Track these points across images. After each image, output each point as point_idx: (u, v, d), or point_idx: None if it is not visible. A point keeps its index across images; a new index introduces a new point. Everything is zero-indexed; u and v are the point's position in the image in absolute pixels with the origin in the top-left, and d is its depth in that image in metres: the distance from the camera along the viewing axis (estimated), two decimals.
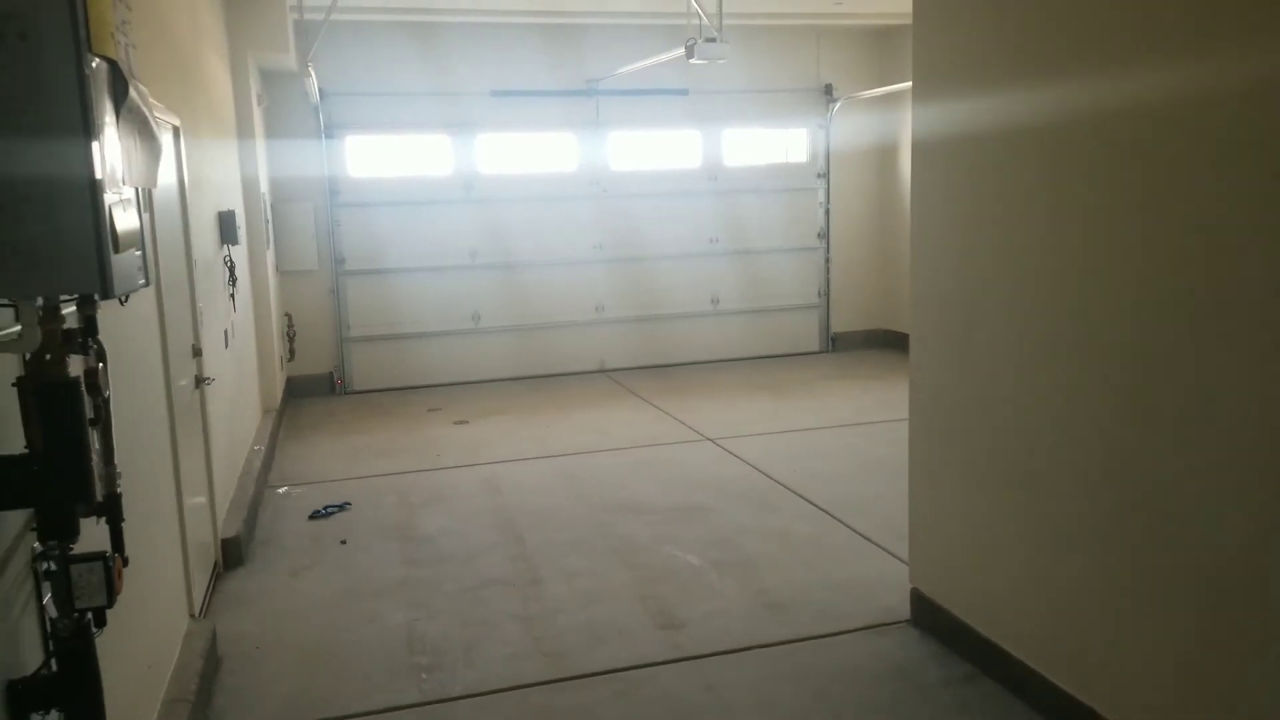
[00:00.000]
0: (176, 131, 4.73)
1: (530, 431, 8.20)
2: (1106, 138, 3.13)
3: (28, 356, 2.03)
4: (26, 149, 1.82)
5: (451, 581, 5.01)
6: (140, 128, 2.18)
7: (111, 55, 1.99)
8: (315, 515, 6.09)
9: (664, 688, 3.87)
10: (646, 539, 5.51)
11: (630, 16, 9.71)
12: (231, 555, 5.19)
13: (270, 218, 9.02)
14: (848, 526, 5.61)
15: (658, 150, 10.80)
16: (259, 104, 8.81)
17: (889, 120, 11.13)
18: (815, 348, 11.52)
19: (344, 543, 5.60)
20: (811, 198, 11.33)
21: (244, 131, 8.03)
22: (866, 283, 11.59)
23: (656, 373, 10.64)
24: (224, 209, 6.44)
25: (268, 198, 8.88)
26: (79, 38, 1.83)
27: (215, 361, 5.53)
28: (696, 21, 8.05)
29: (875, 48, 11.22)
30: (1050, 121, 3.37)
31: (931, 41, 4.03)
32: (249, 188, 8.12)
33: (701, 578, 4.95)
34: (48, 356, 2.00)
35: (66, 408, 1.97)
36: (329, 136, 9.79)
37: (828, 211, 11.35)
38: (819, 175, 11.30)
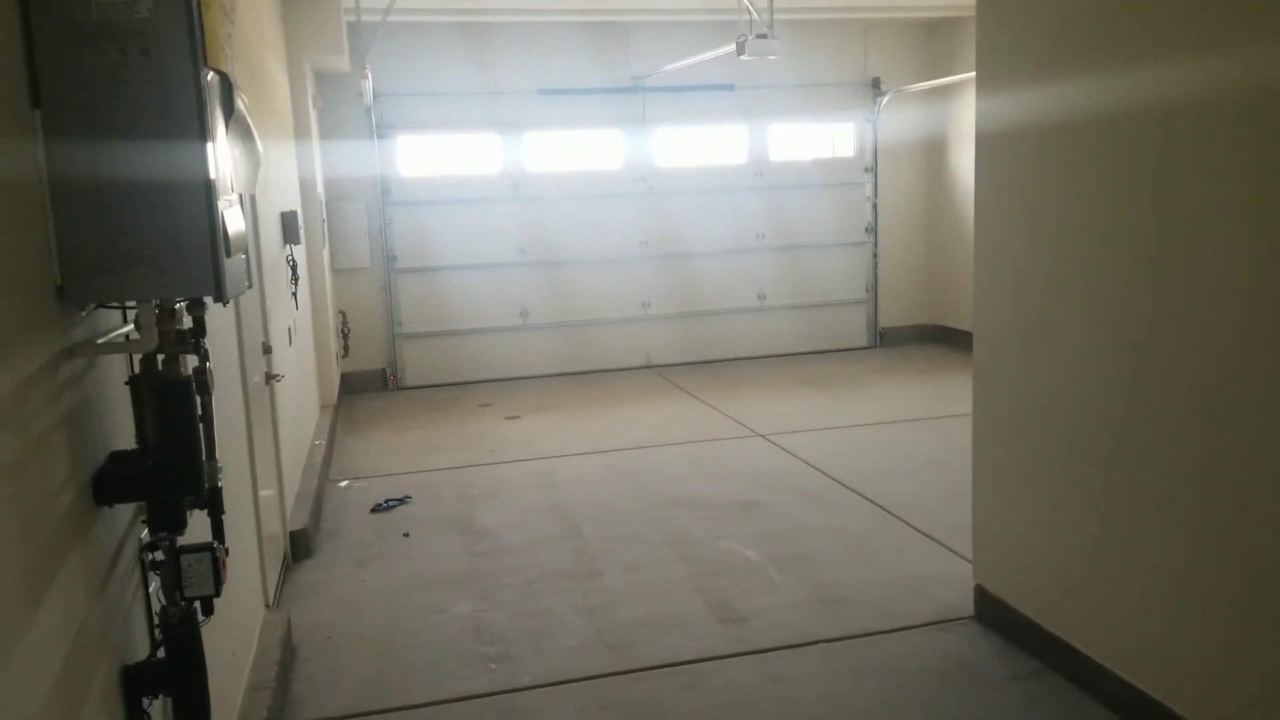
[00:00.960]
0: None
1: (581, 427, 8.28)
2: (1190, 130, 3.12)
3: (139, 355, 2.14)
4: (148, 157, 1.92)
5: (513, 573, 5.10)
6: (244, 135, 2.27)
7: (222, 68, 2.08)
8: (377, 508, 6.22)
9: (728, 680, 3.92)
10: (702, 533, 5.57)
11: (677, 13, 9.74)
12: (300, 547, 5.32)
13: (326, 217, 9.19)
14: (904, 522, 5.61)
15: (703, 146, 10.82)
16: (314, 105, 8.98)
17: (938, 113, 11.05)
18: (863, 343, 11.49)
19: (407, 535, 5.72)
20: (859, 192, 11.28)
21: (301, 133, 8.19)
22: (915, 277, 11.53)
23: (703, 368, 10.68)
24: (286, 209, 6.58)
25: (323, 197, 9.05)
26: (196, 52, 1.92)
27: (281, 358, 5.66)
28: (746, 17, 8.07)
29: (924, 40, 11.14)
30: (1127, 112, 3.34)
31: (997, 30, 4.01)
32: (306, 188, 8.28)
33: (759, 572, 4.99)
34: (161, 356, 2.10)
35: (181, 406, 2.06)
36: (381, 136, 9.94)
37: (875, 206, 11.30)
38: (866, 169, 11.25)
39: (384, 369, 10.25)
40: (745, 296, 11.06)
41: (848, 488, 6.28)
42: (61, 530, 1.86)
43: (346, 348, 10.07)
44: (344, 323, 10.04)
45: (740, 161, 10.89)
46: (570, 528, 5.76)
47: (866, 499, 6.04)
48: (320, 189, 8.84)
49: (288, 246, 6.57)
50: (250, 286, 2.34)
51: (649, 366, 10.80)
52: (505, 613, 4.62)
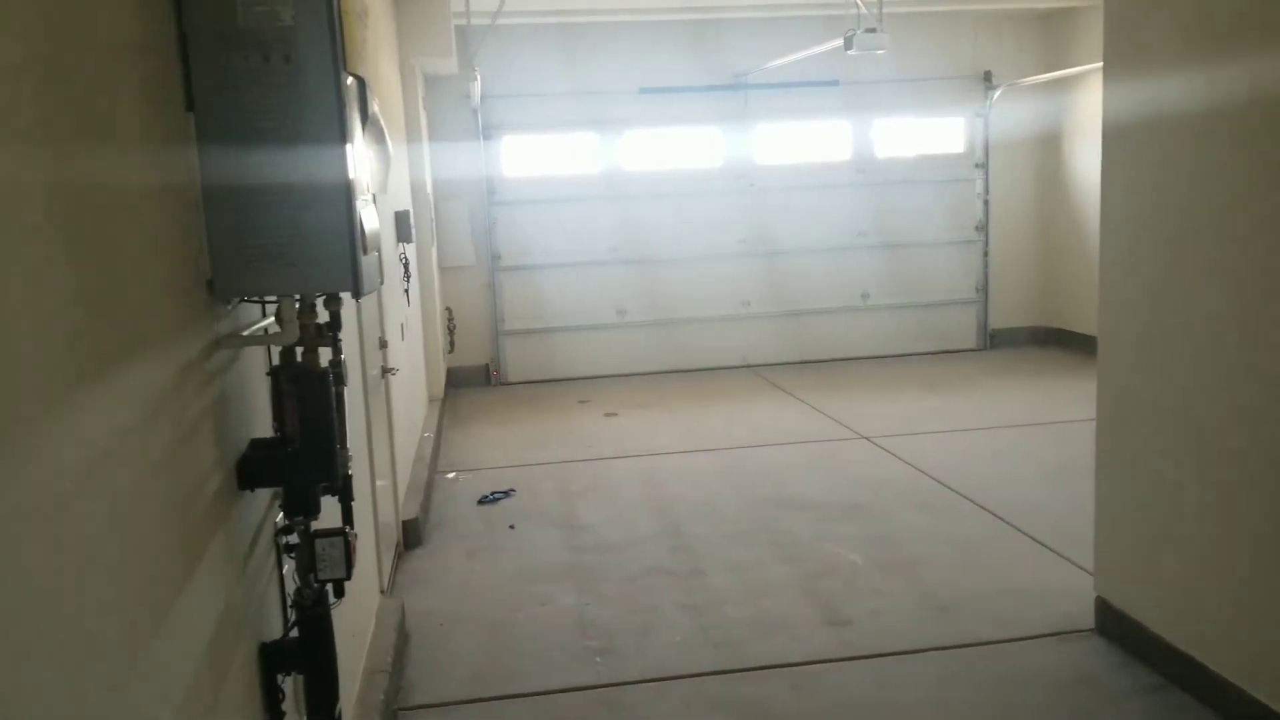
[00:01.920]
0: None
1: (680, 425, 8.30)
2: None
3: (278, 348, 2.23)
4: (291, 159, 2.00)
5: (616, 569, 5.14)
6: (377, 137, 2.35)
7: (360, 73, 2.16)
8: (483, 500, 6.36)
9: (836, 683, 3.88)
10: (806, 535, 5.51)
11: (781, 9, 9.66)
12: (411, 536, 5.48)
13: (434, 216, 9.43)
14: (1018, 530, 5.45)
15: (805, 143, 10.70)
16: (424, 107, 9.22)
17: (1054, 107, 10.68)
18: (972, 344, 11.19)
19: (512, 527, 5.83)
20: (969, 189, 10.99)
21: (412, 134, 8.42)
22: (1028, 277, 11.17)
23: (804, 368, 10.57)
24: (400, 209, 6.78)
25: (432, 197, 9.29)
26: (336, 58, 2.00)
27: (395, 353, 5.84)
28: (853, 11, 7.95)
29: (1038, 32, 10.79)
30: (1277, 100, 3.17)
31: (1127, 17, 3.86)
32: (416, 188, 8.51)
33: (865, 576, 4.92)
34: (300, 349, 2.19)
35: (319, 396, 2.15)
36: (486, 138, 10.14)
37: (986, 203, 10.99)
38: (977, 165, 10.96)
39: (486, 365, 10.47)
40: (847, 295, 10.90)
41: (956, 492, 6.13)
42: (209, 512, 1.96)
43: (452, 343, 10.32)
44: (450, 319, 10.29)
45: (843, 157, 10.74)
46: (671, 525, 5.78)
47: (977, 504, 5.89)
48: (429, 189, 9.08)
49: (401, 245, 6.77)
50: (382, 283, 2.43)
51: (747, 366, 10.75)
52: (609, 607, 4.67)
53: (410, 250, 7.51)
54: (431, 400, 8.70)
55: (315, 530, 2.29)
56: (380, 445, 4.90)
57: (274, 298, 2.15)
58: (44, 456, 1.31)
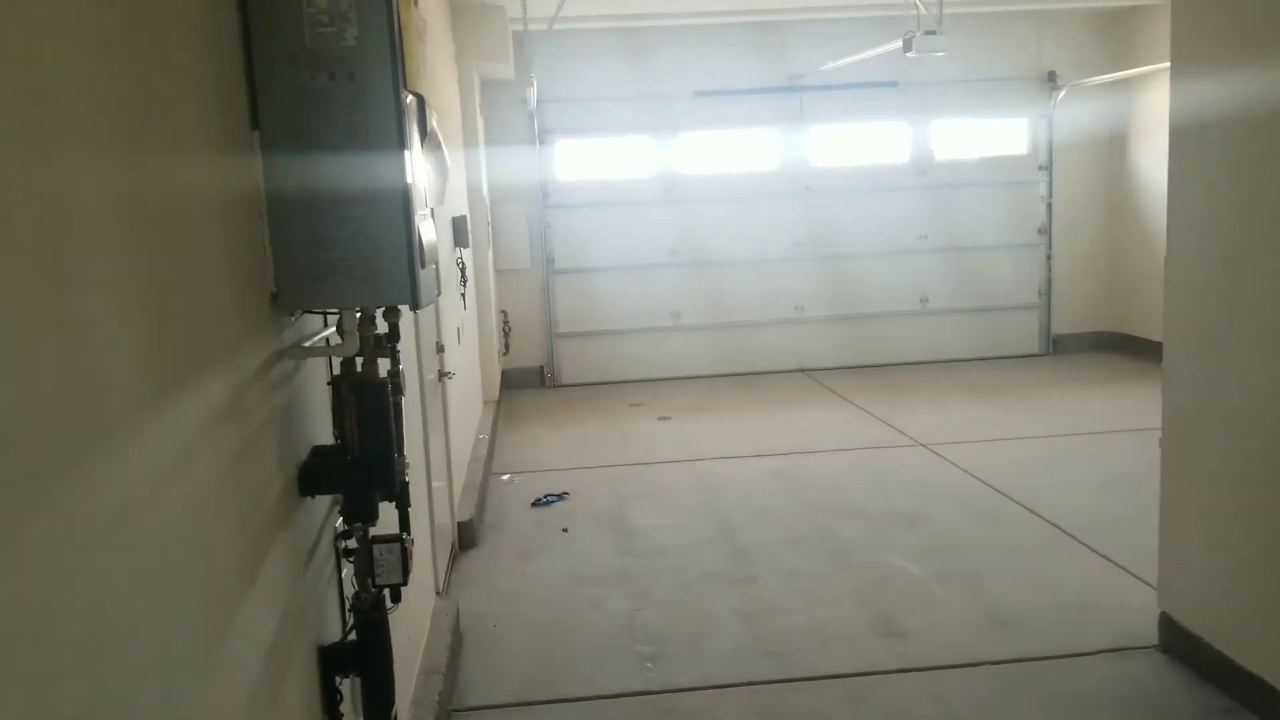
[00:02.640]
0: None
1: (733, 429, 8.28)
2: None
3: (339, 358, 2.28)
4: (352, 175, 2.05)
5: (668, 574, 5.15)
6: (435, 152, 2.39)
7: (419, 91, 2.20)
8: (537, 503, 6.41)
9: (892, 696, 3.84)
10: (863, 543, 5.46)
11: (840, 10, 9.58)
12: (466, 537, 5.55)
13: (491, 220, 9.54)
14: (1079, 542, 5.34)
15: (862, 145, 10.60)
16: (481, 113, 9.32)
17: (1120, 107, 10.44)
18: (1035, 350, 10.99)
19: (565, 530, 5.87)
20: (1031, 191, 10.79)
21: (469, 139, 8.52)
22: (1093, 281, 10.92)
23: (860, 373, 10.47)
24: (457, 214, 6.87)
25: (488, 201, 9.39)
26: (397, 77, 2.04)
27: (451, 356, 5.92)
28: (912, 12, 7.85)
29: (1104, 31, 10.54)
30: None
31: (1196, 14, 3.76)
32: (473, 192, 8.61)
33: (922, 587, 4.86)
34: (360, 359, 2.24)
35: (379, 406, 2.19)
36: (541, 142, 10.22)
37: (1050, 206, 10.78)
38: (1040, 168, 10.75)
39: (541, 367, 10.55)
40: (906, 300, 10.77)
41: (1017, 502, 6.02)
42: (272, 517, 2.01)
43: (507, 346, 10.42)
44: (505, 321, 10.39)
45: (902, 160, 10.61)
46: (725, 530, 5.77)
47: (1037, 515, 5.78)
48: (486, 193, 9.18)
49: (458, 250, 6.86)
50: (439, 295, 2.47)
51: (802, 370, 10.68)
52: (661, 613, 4.67)
53: (467, 254, 7.60)
54: (487, 402, 8.80)
55: (373, 536, 2.33)
56: (436, 448, 4.97)
57: (335, 310, 2.20)
58: (120, 464, 1.36)
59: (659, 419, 8.82)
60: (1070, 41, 10.55)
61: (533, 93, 9.24)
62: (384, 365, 2.40)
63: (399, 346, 2.39)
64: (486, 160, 9.62)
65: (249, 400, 1.92)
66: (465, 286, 7.17)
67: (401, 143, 2.04)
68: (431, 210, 2.49)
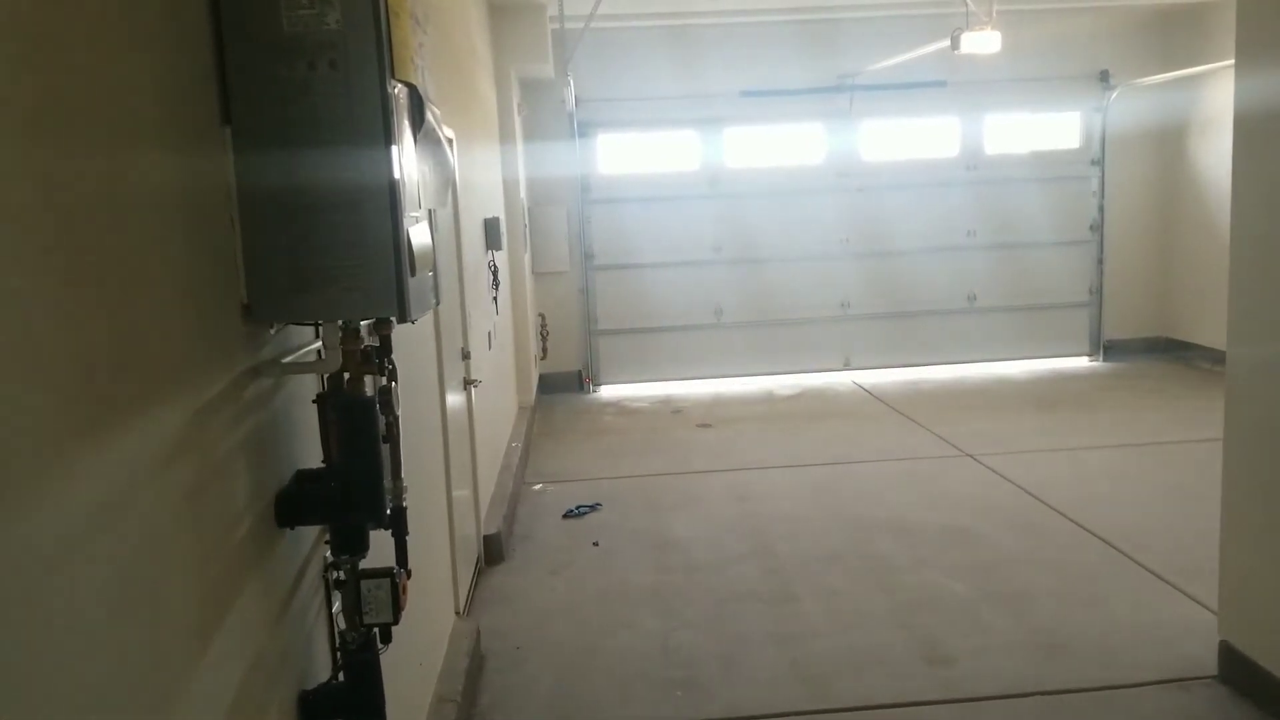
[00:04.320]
0: (450, 144, 4.93)
1: (775, 438, 8.02)
2: None
3: (326, 375, 2.10)
4: (332, 174, 1.86)
5: (703, 592, 4.92)
6: (434, 149, 2.20)
7: (412, 80, 2.00)
8: (569, 514, 6.22)
9: None
10: (905, 561, 5.19)
11: (890, 8, 9.29)
12: (493, 551, 5.37)
13: (527, 222, 9.38)
14: (1135, 561, 5.02)
15: (911, 139, 10.27)
16: (519, 113, 9.17)
17: (1176, 103, 9.99)
18: (1085, 350, 10.58)
19: (597, 544, 5.67)
20: (1083, 186, 10.38)
21: (506, 139, 8.36)
22: (1147, 282, 10.49)
23: (907, 373, 10.15)
24: (489, 216, 6.71)
25: (525, 202, 9.24)
26: (383, 66, 1.85)
27: (480, 363, 5.75)
28: (963, 10, 7.55)
29: (1159, 29, 10.11)
30: None
31: (1267, 7, 3.47)
32: (509, 193, 8.46)
33: (969, 609, 4.58)
34: (346, 376, 2.05)
35: (363, 428, 2.00)
36: (581, 136, 10.03)
37: (1101, 203, 10.35)
38: (1093, 162, 10.33)
39: (579, 371, 10.37)
40: (954, 297, 10.41)
41: (1069, 518, 5.70)
42: (241, 555, 1.83)
43: (545, 350, 10.26)
44: (543, 325, 10.23)
45: (951, 154, 10.27)
46: (762, 546, 5.53)
47: (1091, 532, 5.45)
48: (523, 194, 9.02)
49: (489, 252, 6.70)
50: (437, 304, 2.28)
51: (847, 369, 10.36)
52: (694, 633, 4.45)
53: (500, 257, 7.45)
54: (522, 408, 8.63)
55: (362, 570, 2.15)
56: (460, 458, 4.80)
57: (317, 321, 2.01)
58: (36, 513, 1.18)
59: (699, 426, 8.58)
60: (1124, 39, 10.13)
61: (570, 92, 9.07)
62: (383, 381, 2.22)
63: (392, 361, 2.19)
64: (525, 160, 9.47)
65: (214, 425, 1.74)
66: (497, 290, 7.01)
67: (388, 138, 1.85)
68: (429, 211, 2.30)
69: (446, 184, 2.33)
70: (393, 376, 2.21)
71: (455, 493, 4.48)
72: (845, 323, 10.41)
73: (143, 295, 1.51)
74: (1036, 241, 10.36)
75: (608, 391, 10.27)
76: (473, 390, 5.27)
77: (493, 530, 5.43)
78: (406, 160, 1.96)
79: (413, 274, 1.94)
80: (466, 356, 5.13)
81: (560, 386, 10.25)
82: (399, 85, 1.94)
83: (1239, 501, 3.76)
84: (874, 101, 10.01)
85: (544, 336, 10.25)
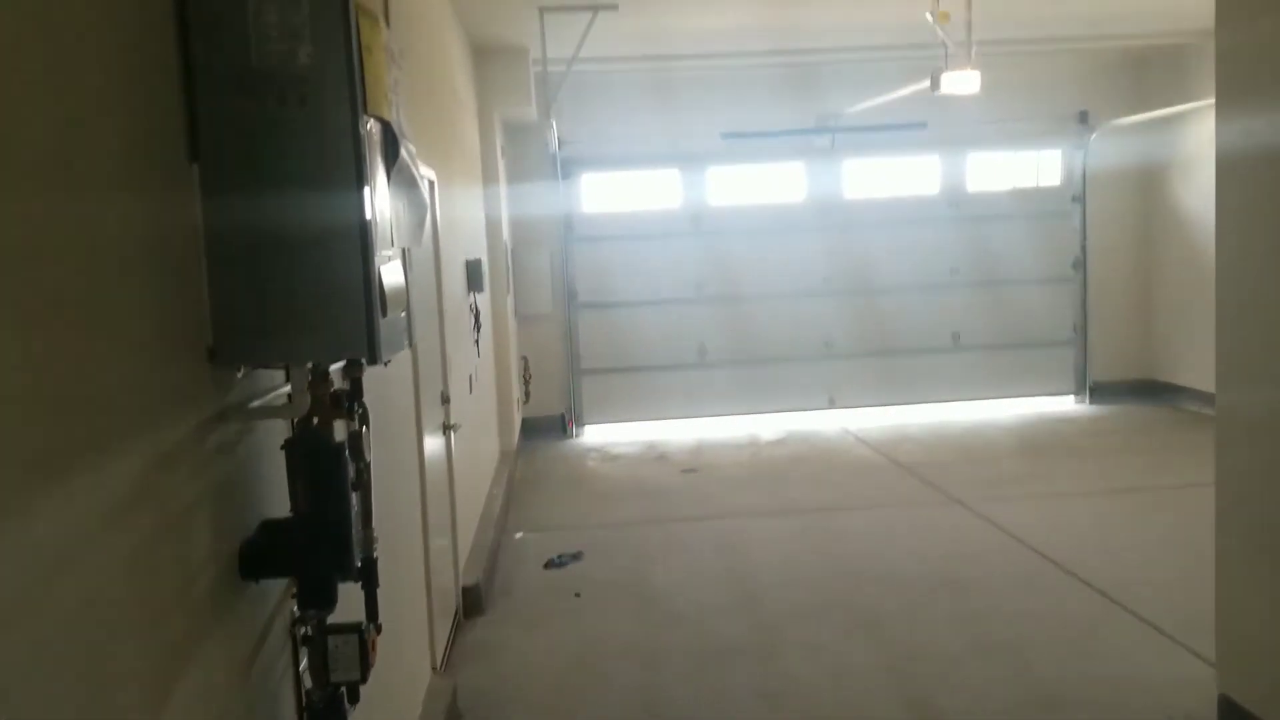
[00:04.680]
0: (431, 185, 4.88)
1: (760, 483, 7.93)
2: None
3: (295, 420, 2.00)
4: (302, 212, 1.79)
5: (687, 647, 4.78)
6: (408, 188, 2.13)
7: (386, 116, 1.94)
8: (550, 564, 6.08)
9: None
10: (895, 612, 5.07)
11: (869, 50, 9.36)
12: (471, 603, 5.22)
13: (510, 264, 9.33)
14: (1130, 612, 4.92)
15: (892, 177, 10.32)
16: (502, 156, 9.17)
17: (1156, 142, 10.07)
18: (1069, 388, 10.58)
19: (578, 595, 5.53)
20: (1065, 223, 10.45)
21: (489, 181, 8.34)
22: (1130, 321, 10.53)
23: (893, 416, 10.09)
24: (471, 258, 6.64)
25: (509, 244, 9.19)
26: (355, 102, 1.79)
27: (460, 407, 5.64)
28: (942, 52, 7.61)
29: (1137, 71, 10.26)
30: None
31: (1245, 48, 3.48)
32: (492, 235, 8.41)
33: (961, 663, 4.46)
34: (315, 420, 1.96)
35: (331, 474, 1.91)
36: (565, 176, 10.02)
37: (1084, 239, 10.42)
38: (1074, 199, 10.41)
39: (562, 415, 10.26)
40: (938, 335, 10.40)
41: (1062, 567, 5.60)
42: (202, 609, 1.72)
43: (528, 393, 10.15)
44: (526, 368, 10.13)
45: (933, 191, 10.32)
46: (748, 596, 5.41)
47: (1084, 581, 5.36)
48: (506, 235, 8.98)
49: (471, 294, 6.62)
50: (410, 345, 2.19)
51: (832, 408, 10.29)
52: (678, 691, 4.31)
53: (483, 299, 7.37)
54: (504, 453, 8.50)
55: (329, 625, 2.04)
56: (438, 506, 4.68)
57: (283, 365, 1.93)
58: None
59: (683, 472, 8.47)
60: (1103, 80, 10.27)
61: (553, 135, 9.07)
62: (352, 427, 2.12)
63: (362, 405, 2.10)
64: (508, 201, 9.43)
65: (175, 471, 1.64)
66: (479, 333, 6.92)
67: (360, 176, 1.78)
68: (403, 251, 2.23)
69: (421, 222, 2.26)
70: (364, 421, 2.12)
71: (433, 542, 4.36)
72: (829, 361, 10.37)
73: (101, 336, 1.43)
74: (1020, 279, 10.39)
75: (591, 433, 10.15)
76: (452, 435, 5.16)
77: (472, 581, 5.28)
78: (379, 198, 1.90)
79: (384, 314, 1.86)
80: (446, 400, 5.02)
81: (543, 430, 10.13)
82: (372, 120, 1.88)
83: (1234, 549, 3.69)
84: (855, 141, 10.07)
85: (526, 380, 10.14)
